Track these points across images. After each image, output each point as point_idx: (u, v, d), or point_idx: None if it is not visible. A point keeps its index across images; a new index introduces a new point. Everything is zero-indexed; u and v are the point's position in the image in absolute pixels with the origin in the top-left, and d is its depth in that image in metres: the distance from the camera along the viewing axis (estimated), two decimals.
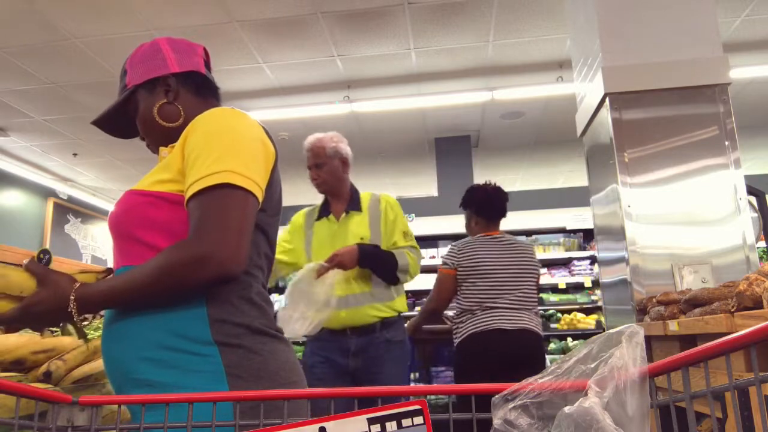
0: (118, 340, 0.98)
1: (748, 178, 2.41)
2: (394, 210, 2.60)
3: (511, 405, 0.56)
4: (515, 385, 0.57)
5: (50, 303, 0.95)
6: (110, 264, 9.72)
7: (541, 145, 7.42)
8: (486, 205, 2.98)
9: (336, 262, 2.30)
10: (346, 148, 2.57)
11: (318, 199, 2.68)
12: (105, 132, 1.27)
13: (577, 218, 6.18)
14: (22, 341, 1.30)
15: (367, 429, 0.52)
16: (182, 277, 0.91)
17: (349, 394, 0.65)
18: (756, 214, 2.72)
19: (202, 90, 1.23)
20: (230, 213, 0.94)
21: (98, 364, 1.35)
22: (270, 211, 1.10)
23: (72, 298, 0.94)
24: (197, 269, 0.91)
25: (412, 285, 6.33)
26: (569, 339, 5.99)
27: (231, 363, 0.94)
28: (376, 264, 2.42)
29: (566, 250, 6.32)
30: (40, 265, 1.00)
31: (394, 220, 2.57)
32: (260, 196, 1.01)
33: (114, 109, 1.21)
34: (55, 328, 2.14)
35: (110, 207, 9.25)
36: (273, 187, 1.10)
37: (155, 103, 1.17)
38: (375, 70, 5.26)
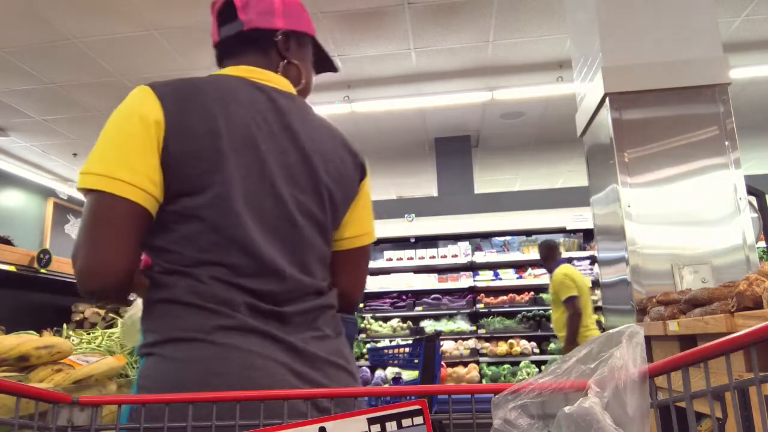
0: None
1: (748, 178, 2.41)
2: None
3: (511, 405, 0.56)
4: (515, 385, 0.57)
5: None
6: None
7: (541, 145, 7.42)
8: None
9: None
10: None
11: None
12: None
13: (577, 218, 6.18)
14: (23, 339, 1.31)
15: (367, 429, 0.52)
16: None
17: (350, 394, 0.65)
18: (756, 214, 2.72)
19: (225, 58, 1.13)
20: (86, 224, 0.88)
21: (100, 365, 1.35)
22: (198, 186, 0.91)
23: None
24: (78, 283, 0.89)
25: (411, 285, 6.37)
26: None
27: (141, 373, 0.89)
28: None
29: (566, 250, 6.32)
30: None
31: None
32: (124, 188, 0.87)
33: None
34: (56, 328, 2.14)
35: None
36: (186, 157, 0.90)
37: None
38: (375, 70, 5.26)
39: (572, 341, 4.44)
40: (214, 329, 0.87)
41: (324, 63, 1.23)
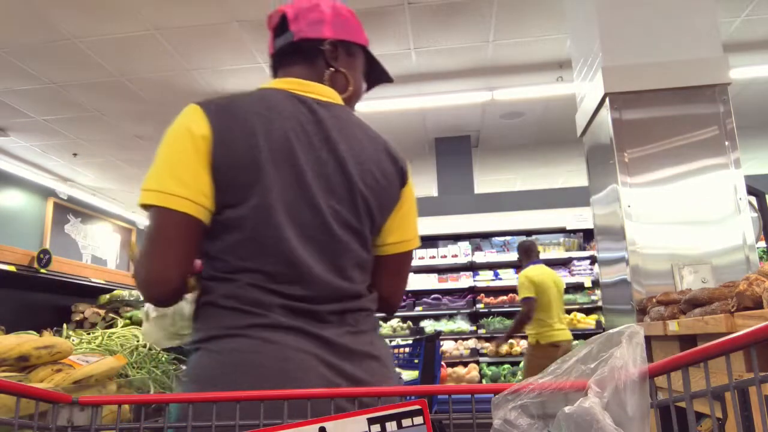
0: None
1: (748, 178, 2.41)
2: None
3: (511, 405, 0.56)
4: (515, 385, 0.57)
5: None
6: (110, 264, 9.58)
7: (541, 145, 7.42)
8: None
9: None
10: None
11: None
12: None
13: (577, 218, 6.18)
14: (23, 339, 1.31)
15: (367, 429, 0.52)
16: None
17: (350, 394, 0.65)
18: (756, 214, 2.72)
19: (277, 70, 1.16)
20: (147, 237, 0.96)
21: (100, 365, 1.35)
22: (239, 197, 0.96)
23: None
24: (141, 292, 0.99)
25: (411, 285, 6.37)
26: None
27: (190, 365, 0.97)
28: None
29: (566, 250, 6.32)
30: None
31: None
32: (179, 202, 0.93)
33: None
34: (56, 328, 2.14)
35: (110, 207, 9.25)
36: (229, 169, 0.96)
37: None
38: None
39: (511, 335, 4.88)
40: (249, 326, 0.93)
41: (378, 73, 1.27)
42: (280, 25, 1.14)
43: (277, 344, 0.92)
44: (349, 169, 1.03)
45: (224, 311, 0.95)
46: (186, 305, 1.65)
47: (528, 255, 4.93)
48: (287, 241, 0.96)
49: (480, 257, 6.32)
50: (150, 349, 1.78)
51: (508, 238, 6.57)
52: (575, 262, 6.25)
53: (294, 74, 1.10)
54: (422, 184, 8.95)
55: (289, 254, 0.96)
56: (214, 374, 0.91)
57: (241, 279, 0.96)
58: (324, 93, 1.09)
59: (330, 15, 1.13)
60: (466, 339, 6.14)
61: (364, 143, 1.09)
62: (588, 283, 6.09)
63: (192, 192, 0.94)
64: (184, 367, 1.86)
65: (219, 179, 0.95)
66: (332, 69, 1.12)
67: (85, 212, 8.82)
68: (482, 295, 6.38)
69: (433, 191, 8.08)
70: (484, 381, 5.75)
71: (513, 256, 6.29)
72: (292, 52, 1.12)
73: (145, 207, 0.95)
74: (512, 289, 6.31)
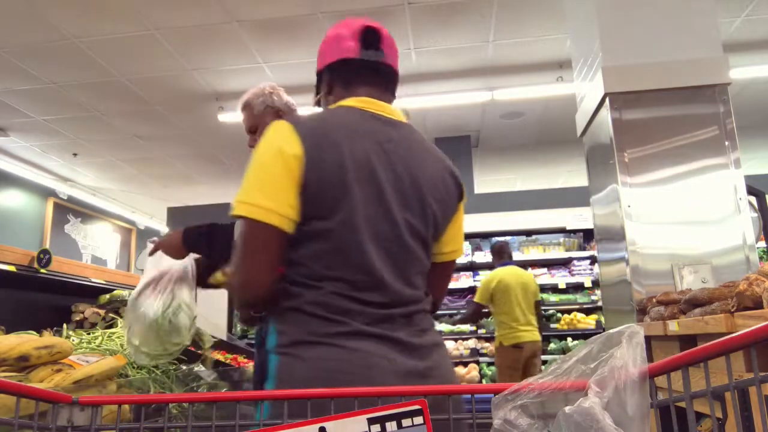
0: None
1: (748, 178, 2.41)
2: None
3: (511, 405, 0.56)
4: (515, 385, 0.57)
5: None
6: (110, 264, 9.55)
7: (541, 145, 7.42)
8: None
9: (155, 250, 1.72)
10: (280, 99, 2.00)
11: None
12: None
13: (577, 218, 6.18)
14: (23, 339, 1.31)
15: (367, 429, 0.52)
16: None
17: (349, 394, 0.65)
18: (756, 214, 2.72)
19: (351, 79, 1.21)
20: (239, 245, 1.06)
21: (100, 365, 1.35)
22: (327, 211, 1.06)
23: None
24: (235, 296, 1.11)
25: None
26: (569, 339, 6.00)
27: (278, 369, 1.05)
28: (206, 245, 1.71)
29: (566, 250, 6.32)
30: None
31: None
32: (266, 215, 1.02)
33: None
34: (56, 328, 2.14)
35: (110, 207, 9.25)
36: (319, 186, 1.05)
37: (316, 97, 1.28)
38: None
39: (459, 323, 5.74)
40: (336, 335, 1.03)
41: None
42: (369, 39, 1.20)
43: (361, 352, 1.02)
44: (422, 185, 1.14)
45: (310, 318, 1.04)
46: (157, 320, 1.56)
47: (499, 256, 5.01)
48: (367, 253, 1.07)
49: (480, 257, 6.32)
50: None
51: (508, 238, 6.57)
52: (575, 262, 6.25)
53: (368, 93, 1.19)
54: None
55: (368, 265, 1.07)
56: (303, 380, 0.98)
57: (325, 287, 1.05)
58: (395, 114, 1.20)
59: (396, 50, 1.25)
60: (466, 339, 6.13)
61: (431, 160, 1.20)
62: (588, 283, 6.09)
63: (279, 205, 1.03)
64: (184, 368, 1.86)
65: (308, 195, 1.05)
66: (395, 96, 1.26)
67: (85, 212, 8.82)
68: None
69: None
70: (484, 381, 5.75)
71: (513, 256, 6.30)
72: (374, 70, 1.20)
73: (237, 217, 1.05)
74: None
